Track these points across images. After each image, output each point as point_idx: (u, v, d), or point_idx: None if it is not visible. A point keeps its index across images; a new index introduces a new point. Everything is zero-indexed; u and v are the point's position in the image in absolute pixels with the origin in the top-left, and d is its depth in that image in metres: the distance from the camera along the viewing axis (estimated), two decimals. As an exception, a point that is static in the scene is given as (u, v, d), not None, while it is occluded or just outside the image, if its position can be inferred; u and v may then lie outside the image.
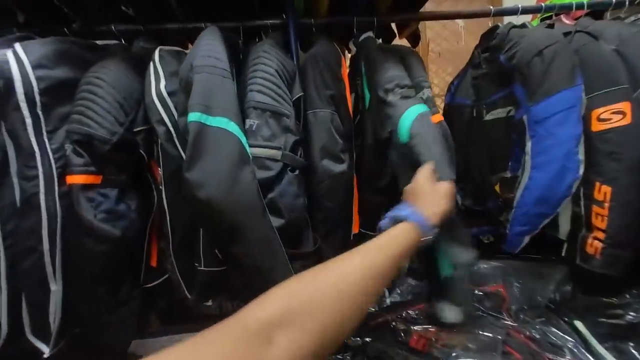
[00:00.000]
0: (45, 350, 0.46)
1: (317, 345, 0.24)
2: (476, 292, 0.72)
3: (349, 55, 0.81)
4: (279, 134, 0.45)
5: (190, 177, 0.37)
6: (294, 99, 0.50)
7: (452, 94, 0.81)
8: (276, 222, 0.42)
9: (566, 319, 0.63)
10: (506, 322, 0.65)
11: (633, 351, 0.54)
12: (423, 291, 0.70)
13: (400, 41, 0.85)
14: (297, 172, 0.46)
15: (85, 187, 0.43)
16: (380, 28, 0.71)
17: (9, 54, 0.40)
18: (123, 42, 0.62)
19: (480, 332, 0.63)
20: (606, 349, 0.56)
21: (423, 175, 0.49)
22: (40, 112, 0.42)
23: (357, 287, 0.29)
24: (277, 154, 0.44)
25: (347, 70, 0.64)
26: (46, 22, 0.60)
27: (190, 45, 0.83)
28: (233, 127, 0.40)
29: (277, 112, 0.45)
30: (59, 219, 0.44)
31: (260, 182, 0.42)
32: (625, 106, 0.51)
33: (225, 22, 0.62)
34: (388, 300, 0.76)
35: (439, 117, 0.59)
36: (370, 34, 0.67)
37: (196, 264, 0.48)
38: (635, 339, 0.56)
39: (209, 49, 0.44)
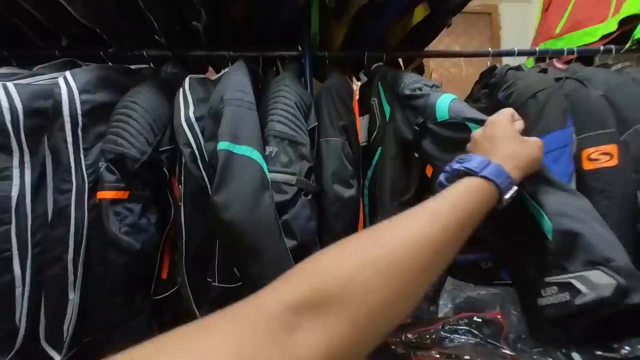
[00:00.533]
0: (57, 357, 0.47)
1: (359, 334, 0.19)
2: (475, 318, 0.73)
3: (358, 83, 0.87)
4: (295, 161, 0.49)
5: (217, 200, 0.40)
6: (309, 128, 0.54)
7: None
8: (289, 243, 0.45)
9: (564, 350, 0.64)
10: (505, 350, 0.66)
11: (628, 385, 0.55)
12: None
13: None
14: (310, 196, 0.50)
15: (114, 201, 0.47)
16: (388, 61, 0.77)
17: (61, 80, 0.45)
18: (152, 65, 0.68)
19: (479, 360, 0.64)
20: (602, 382, 0.57)
21: (503, 116, 0.37)
22: (79, 132, 0.46)
23: (411, 261, 0.22)
24: (292, 179, 0.48)
25: (357, 98, 0.70)
26: (85, 46, 0.66)
27: (210, 69, 0.90)
28: (256, 155, 0.44)
29: (295, 140, 0.50)
30: (84, 231, 0.47)
31: (276, 205, 0.45)
32: (612, 148, 0.56)
33: (246, 52, 0.68)
34: (388, 322, 0.77)
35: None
36: (380, 64, 0.73)
37: (209, 279, 0.51)
38: (629, 373, 0.57)
39: (237, 82, 0.49)
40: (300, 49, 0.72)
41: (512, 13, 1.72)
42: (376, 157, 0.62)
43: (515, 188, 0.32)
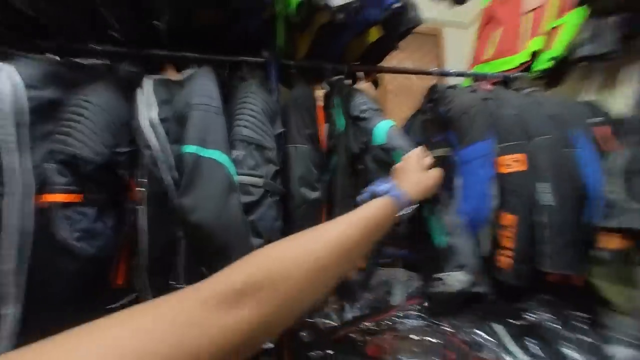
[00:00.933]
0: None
1: (281, 314, 0.24)
2: (425, 304, 0.84)
3: (322, 90, 0.93)
4: (262, 164, 0.52)
5: (185, 202, 0.41)
6: (275, 133, 0.58)
7: (406, 132, 0.98)
8: (256, 242, 0.48)
9: (487, 322, 0.78)
10: (445, 328, 0.77)
11: (531, 344, 0.70)
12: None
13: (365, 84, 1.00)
14: (275, 198, 0.53)
15: (65, 205, 0.44)
16: (348, 74, 0.84)
17: (1, 74, 0.41)
18: (108, 62, 0.64)
19: (425, 338, 0.74)
20: (516, 345, 0.71)
21: (414, 154, 0.52)
22: (25, 131, 0.43)
23: (326, 260, 0.28)
24: (259, 181, 0.50)
25: (323, 105, 0.75)
26: (22, 36, 0.59)
27: (171, 69, 0.86)
28: (224, 159, 0.46)
29: (261, 145, 0.52)
30: (28, 237, 0.43)
31: (243, 206, 0.47)
32: (521, 157, 0.70)
33: (212, 55, 0.69)
34: (350, 315, 0.84)
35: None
36: (341, 76, 0.80)
37: (173, 282, 0.50)
38: (532, 335, 0.72)
39: (204, 88, 0.50)
40: (266, 56, 0.74)
41: (453, 37, 1.98)
42: (332, 163, 0.68)
43: (412, 207, 0.44)
